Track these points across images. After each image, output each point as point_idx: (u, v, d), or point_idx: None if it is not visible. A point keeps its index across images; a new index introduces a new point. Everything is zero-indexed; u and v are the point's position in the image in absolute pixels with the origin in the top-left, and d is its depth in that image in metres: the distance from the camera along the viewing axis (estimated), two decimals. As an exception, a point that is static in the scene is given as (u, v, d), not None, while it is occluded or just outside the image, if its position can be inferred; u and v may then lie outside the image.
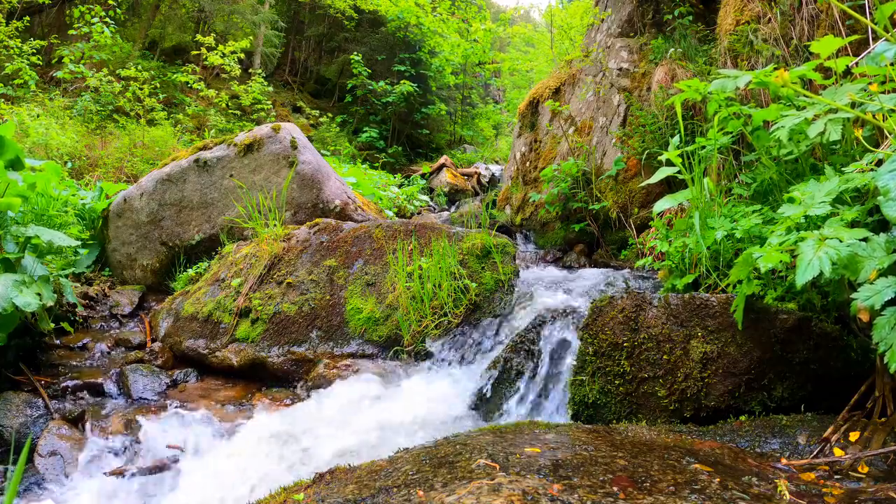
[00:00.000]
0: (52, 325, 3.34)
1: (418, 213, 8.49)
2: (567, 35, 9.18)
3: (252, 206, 4.13)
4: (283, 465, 2.16)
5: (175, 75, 10.66)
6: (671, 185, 4.01)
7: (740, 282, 1.98)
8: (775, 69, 1.99)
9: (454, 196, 10.26)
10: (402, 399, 2.61)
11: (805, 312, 2.00)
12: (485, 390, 2.42)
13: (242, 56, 11.23)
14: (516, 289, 3.23)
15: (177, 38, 14.55)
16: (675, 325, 2.08)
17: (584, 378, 2.15)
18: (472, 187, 10.76)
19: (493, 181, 10.83)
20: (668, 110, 4.19)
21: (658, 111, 4.33)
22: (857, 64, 2.19)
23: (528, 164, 6.09)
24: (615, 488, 1.24)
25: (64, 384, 2.92)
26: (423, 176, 11.28)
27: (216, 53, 10.57)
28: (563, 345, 2.43)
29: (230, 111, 11.12)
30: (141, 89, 8.88)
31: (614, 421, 2.08)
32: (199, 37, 10.95)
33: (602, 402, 2.11)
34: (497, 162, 12.63)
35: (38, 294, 2.78)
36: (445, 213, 8.39)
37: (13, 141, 3.16)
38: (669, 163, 2.67)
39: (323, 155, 6.07)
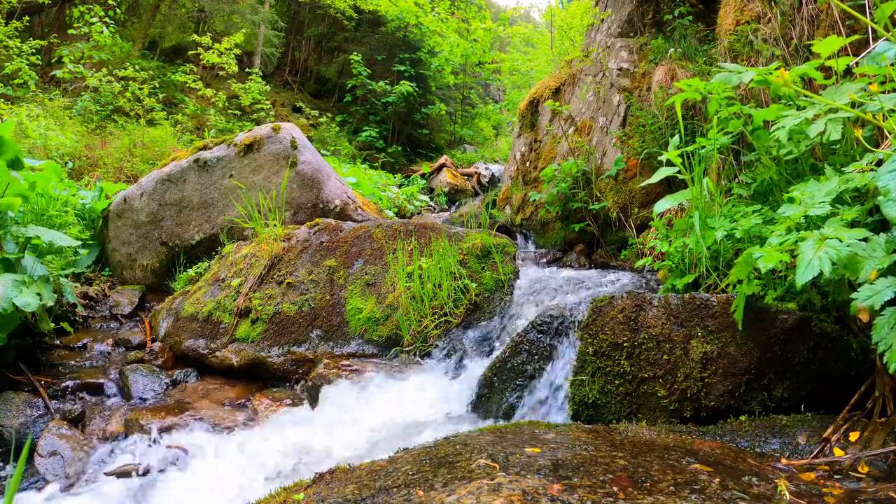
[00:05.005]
0: (52, 325, 3.34)
1: (418, 213, 8.49)
2: (567, 35, 9.17)
3: (252, 206, 4.13)
4: (282, 465, 2.16)
5: (174, 75, 10.67)
6: (671, 185, 4.01)
7: (740, 282, 1.98)
8: (777, 69, 2.00)
9: (454, 196, 10.26)
10: (402, 399, 2.61)
11: (805, 312, 2.00)
12: (484, 390, 2.42)
13: (239, 52, 11.22)
14: (516, 289, 3.23)
15: (177, 38, 14.55)
16: (675, 325, 2.08)
17: (584, 378, 2.15)
18: (472, 187, 10.76)
19: (493, 181, 10.83)
20: (668, 110, 4.18)
21: (658, 111, 4.33)
22: (857, 64, 2.19)
23: (528, 164, 6.09)
24: (615, 488, 1.24)
25: (64, 384, 2.92)
26: (423, 176, 11.28)
27: (213, 52, 10.56)
28: (563, 344, 2.42)
29: (230, 111, 11.12)
30: (140, 89, 8.88)
31: (614, 421, 2.08)
32: (194, 37, 10.95)
33: (602, 402, 2.11)
34: (497, 162, 12.62)
35: (38, 294, 2.78)
36: (445, 213, 8.39)
37: (12, 141, 3.16)
38: (669, 163, 2.67)
39: (323, 155, 6.07)
